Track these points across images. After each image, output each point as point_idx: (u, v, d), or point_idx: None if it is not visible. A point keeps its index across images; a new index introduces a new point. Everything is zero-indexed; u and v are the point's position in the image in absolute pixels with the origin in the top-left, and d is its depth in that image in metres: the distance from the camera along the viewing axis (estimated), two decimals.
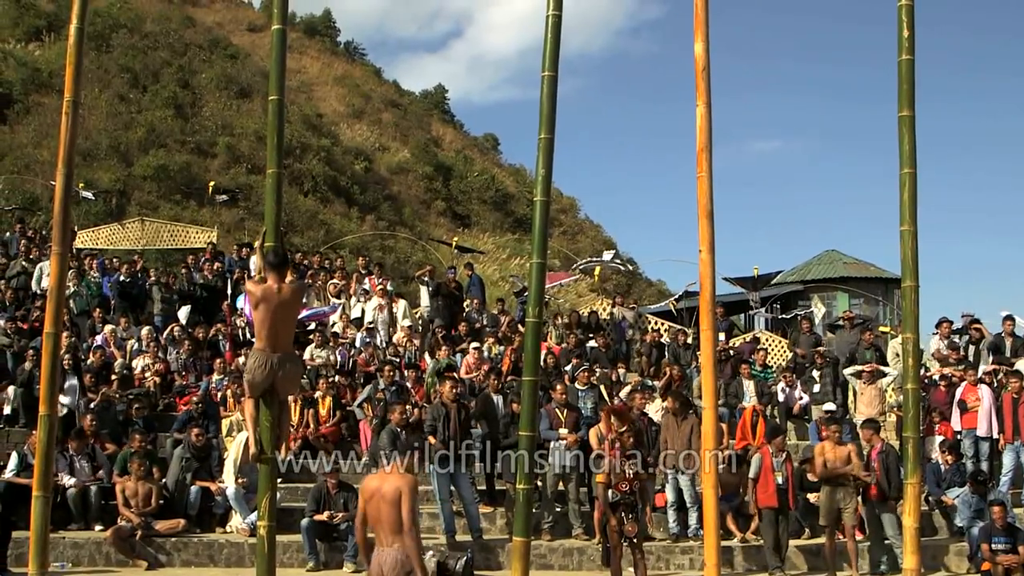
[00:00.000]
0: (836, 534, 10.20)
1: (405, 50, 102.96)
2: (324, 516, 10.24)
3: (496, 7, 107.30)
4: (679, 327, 18.07)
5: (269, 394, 6.22)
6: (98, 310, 15.63)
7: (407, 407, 11.28)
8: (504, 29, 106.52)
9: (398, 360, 14.54)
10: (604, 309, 19.69)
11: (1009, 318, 14.04)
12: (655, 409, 12.23)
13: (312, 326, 15.44)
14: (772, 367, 15.46)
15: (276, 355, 6.15)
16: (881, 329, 17.97)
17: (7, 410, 12.72)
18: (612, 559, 9.13)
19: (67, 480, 10.75)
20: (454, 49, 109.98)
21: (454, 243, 25.63)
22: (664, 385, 12.95)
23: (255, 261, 6.38)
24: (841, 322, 16.67)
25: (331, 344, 14.88)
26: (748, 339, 17.62)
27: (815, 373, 14.49)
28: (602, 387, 13.08)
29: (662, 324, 19.61)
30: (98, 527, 10.62)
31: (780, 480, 10.40)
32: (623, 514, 8.97)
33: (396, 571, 5.97)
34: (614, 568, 9.09)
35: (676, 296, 23.58)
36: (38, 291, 15.49)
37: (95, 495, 10.82)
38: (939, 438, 12.17)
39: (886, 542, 10.39)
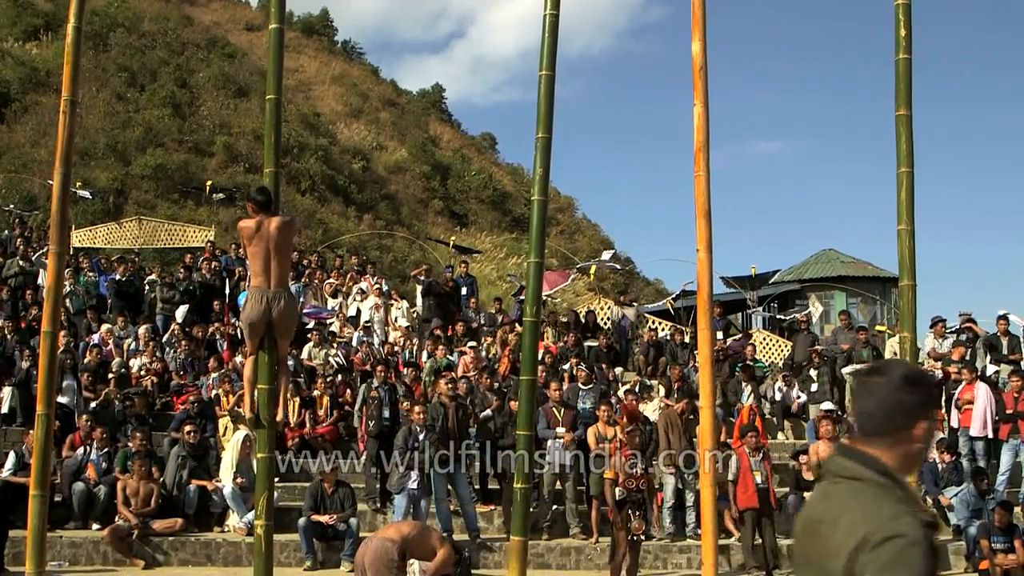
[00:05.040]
0: None
1: (408, 51, 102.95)
2: (324, 519, 10.17)
3: (498, 8, 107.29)
4: (677, 326, 18.06)
5: (268, 337, 6.24)
6: (91, 310, 15.58)
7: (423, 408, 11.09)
8: (506, 31, 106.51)
9: (394, 359, 14.51)
10: (601, 309, 19.67)
11: (1003, 317, 14.08)
12: (652, 409, 12.24)
13: (311, 324, 15.43)
14: (761, 360, 15.46)
15: (271, 290, 6.21)
16: (878, 328, 17.98)
17: (4, 409, 12.70)
18: (616, 557, 9.13)
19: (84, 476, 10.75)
20: (456, 50, 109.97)
21: (452, 242, 25.58)
22: (679, 388, 12.80)
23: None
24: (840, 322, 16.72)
25: (329, 343, 14.88)
26: (737, 337, 17.56)
27: (812, 372, 14.50)
28: (621, 385, 13.10)
29: (660, 324, 19.59)
30: (95, 526, 10.60)
31: (759, 480, 10.31)
32: (630, 511, 8.97)
33: (380, 559, 6.03)
34: (615, 566, 9.09)
35: (673, 295, 23.56)
36: (40, 284, 15.44)
37: (105, 494, 10.78)
38: (937, 435, 12.18)
39: None
